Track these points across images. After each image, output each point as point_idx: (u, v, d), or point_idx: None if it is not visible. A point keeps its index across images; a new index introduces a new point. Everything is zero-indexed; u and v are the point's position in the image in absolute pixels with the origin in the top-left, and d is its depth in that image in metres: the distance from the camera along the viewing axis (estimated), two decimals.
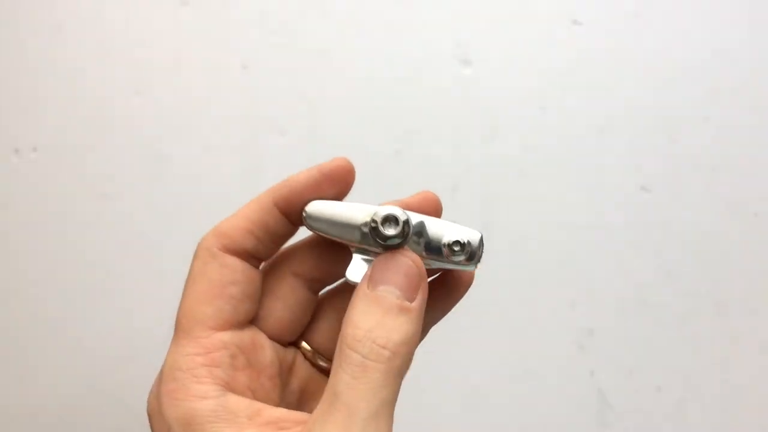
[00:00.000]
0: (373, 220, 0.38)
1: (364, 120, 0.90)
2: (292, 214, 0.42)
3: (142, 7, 0.98)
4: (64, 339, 0.93)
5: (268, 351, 0.41)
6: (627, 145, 0.91)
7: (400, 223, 0.38)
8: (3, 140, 0.97)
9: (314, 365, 0.44)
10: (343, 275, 0.42)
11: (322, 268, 0.44)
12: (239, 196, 0.97)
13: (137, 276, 0.94)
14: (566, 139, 0.91)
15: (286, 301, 0.42)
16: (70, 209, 0.95)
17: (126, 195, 0.95)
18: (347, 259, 0.41)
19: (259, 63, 0.97)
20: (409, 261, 0.38)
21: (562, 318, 0.88)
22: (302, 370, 0.44)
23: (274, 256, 0.44)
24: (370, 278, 0.37)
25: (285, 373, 0.43)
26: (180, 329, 0.39)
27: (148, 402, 0.39)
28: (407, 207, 0.41)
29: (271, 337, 0.42)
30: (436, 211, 0.43)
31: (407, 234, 0.38)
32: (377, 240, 0.38)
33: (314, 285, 0.44)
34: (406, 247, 0.39)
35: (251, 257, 0.41)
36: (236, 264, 0.40)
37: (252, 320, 0.42)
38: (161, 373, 0.38)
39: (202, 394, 0.36)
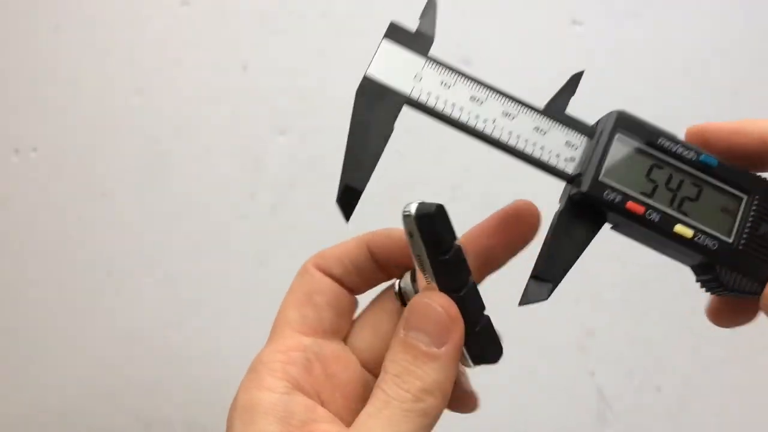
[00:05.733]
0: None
1: None
2: (380, 259, 0.43)
3: (142, 7, 0.98)
4: (64, 339, 0.93)
5: (351, 371, 0.42)
6: None
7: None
8: (3, 140, 0.97)
9: None
10: None
11: None
12: (239, 196, 0.97)
13: (137, 276, 0.94)
14: None
15: (381, 333, 0.43)
16: (70, 209, 0.95)
17: (126, 195, 0.95)
18: None
19: (259, 63, 0.97)
20: (439, 308, 0.38)
21: (562, 318, 0.88)
22: None
23: (381, 292, 0.45)
24: (406, 321, 0.38)
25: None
26: (272, 331, 0.41)
27: (237, 391, 0.40)
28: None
29: (366, 366, 0.43)
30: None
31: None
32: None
33: None
34: (439, 292, 0.38)
35: (339, 282, 0.43)
36: (323, 279, 0.42)
37: (344, 338, 0.43)
38: (250, 365, 0.40)
39: (270, 387, 0.37)
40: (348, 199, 0.38)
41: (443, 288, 0.38)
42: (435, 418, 0.37)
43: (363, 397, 0.41)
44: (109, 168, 0.96)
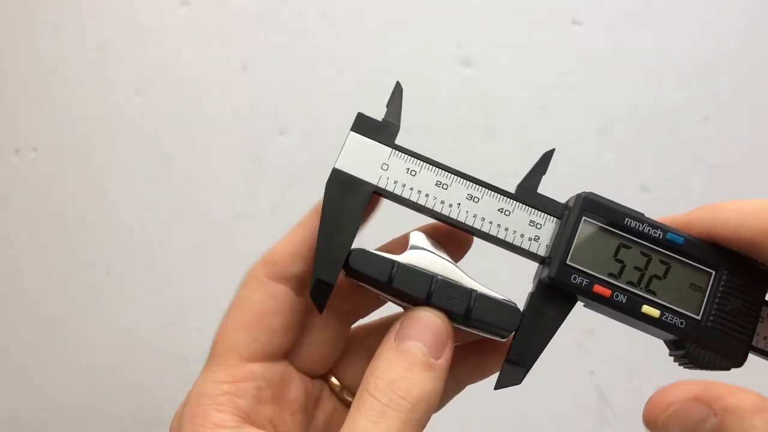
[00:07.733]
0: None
1: None
2: None
3: (142, 7, 0.98)
4: (64, 339, 0.93)
5: (294, 386, 0.41)
6: (627, 145, 0.91)
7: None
8: (3, 140, 0.97)
9: (340, 400, 0.44)
10: (376, 307, 0.43)
11: (357, 300, 0.43)
12: (239, 196, 0.97)
13: (137, 276, 0.94)
14: (566, 139, 0.91)
15: (318, 334, 0.42)
16: (70, 209, 0.95)
17: (126, 195, 0.95)
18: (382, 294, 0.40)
19: (259, 63, 0.97)
20: (437, 320, 0.38)
21: None
22: (328, 404, 0.43)
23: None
24: (398, 332, 0.37)
25: (311, 406, 0.42)
26: (213, 354, 0.39)
27: (172, 422, 0.39)
28: None
29: (301, 370, 0.42)
30: None
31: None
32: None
33: (347, 318, 0.44)
34: (434, 304, 0.38)
35: (300, 283, 0.40)
36: (282, 293, 0.40)
37: (286, 353, 0.41)
38: (188, 395, 0.38)
39: (220, 423, 0.36)
40: (321, 292, 0.39)
41: (416, 303, 0.38)
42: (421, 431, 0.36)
43: (305, 406, 0.41)
44: (109, 168, 0.96)
